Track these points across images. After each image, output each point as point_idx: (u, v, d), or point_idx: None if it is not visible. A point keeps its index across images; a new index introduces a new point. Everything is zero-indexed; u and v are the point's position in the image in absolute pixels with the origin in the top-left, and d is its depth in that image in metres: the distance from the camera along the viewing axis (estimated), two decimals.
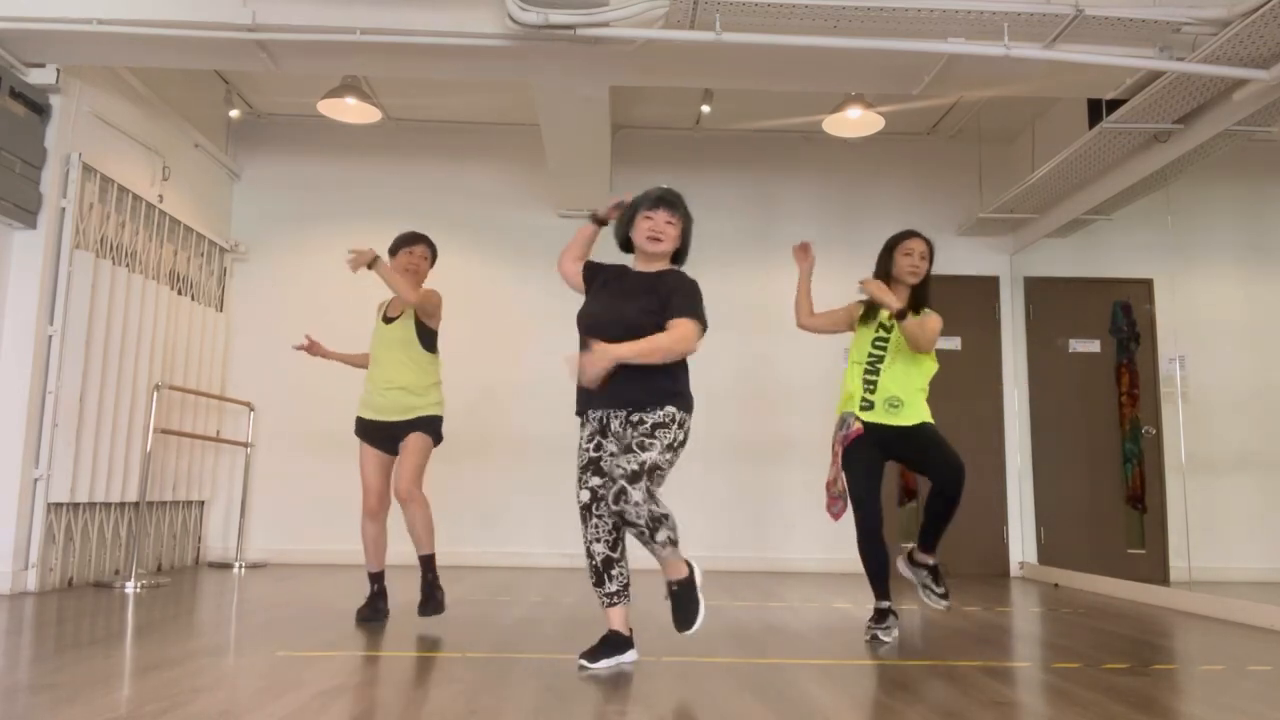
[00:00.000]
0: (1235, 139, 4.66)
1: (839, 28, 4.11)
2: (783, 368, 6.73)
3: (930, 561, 3.73)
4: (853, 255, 6.85)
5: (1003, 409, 6.74)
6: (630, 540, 3.04)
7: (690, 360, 3.08)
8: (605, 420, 2.99)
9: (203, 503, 6.35)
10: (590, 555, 3.00)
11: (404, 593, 4.33)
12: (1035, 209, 6.32)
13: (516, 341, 6.69)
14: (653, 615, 4.04)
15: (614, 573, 3.00)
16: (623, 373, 2.91)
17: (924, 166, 7.01)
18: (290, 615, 3.91)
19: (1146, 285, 5.81)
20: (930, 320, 3.57)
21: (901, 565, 3.84)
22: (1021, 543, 6.60)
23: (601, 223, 3.24)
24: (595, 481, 2.97)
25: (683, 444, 2.97)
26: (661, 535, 2.86)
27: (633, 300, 3.00)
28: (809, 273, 3.86)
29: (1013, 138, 6.93)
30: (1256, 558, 5.16)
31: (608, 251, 3.20)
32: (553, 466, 6.53)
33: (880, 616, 3.63)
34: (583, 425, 3.06)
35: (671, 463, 2.90)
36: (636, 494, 2.81)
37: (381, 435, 3.90)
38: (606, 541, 2.98)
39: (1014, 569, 6.59)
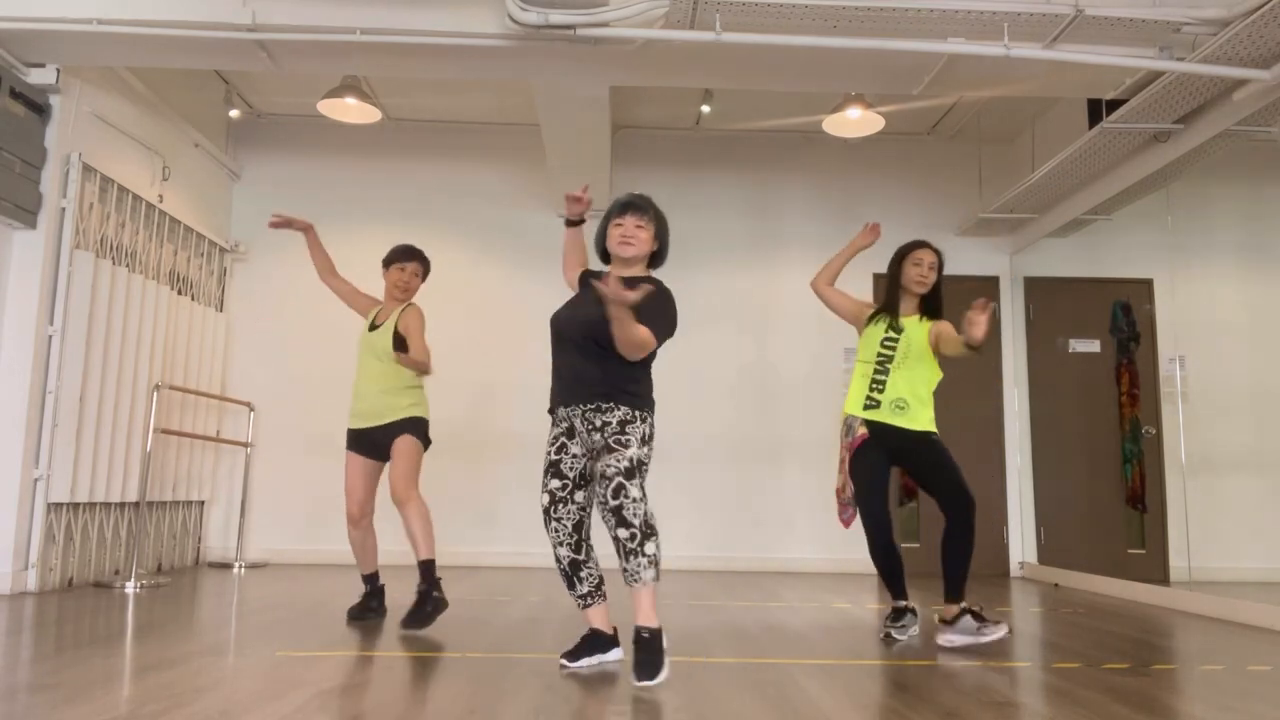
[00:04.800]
0: (1235, 139, 4.66)
1: (839, 28, 4.10)
2: (782, 367, 6.73)
3: (964, 606, 3.52)
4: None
5: (1003, 409, 6.75)
6: (598, 541, 3.03)
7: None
8: (570, 420, 2.98)
9: (203, 503, 6.35)
10: (557, 560, 3.00)
11: (403, 594, 4.33)
12: (1035, 209, 6.32)
13: (516, 341, 6.69)
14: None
15: (583, 574, 3.00)
16: (587, 370, 2.92)
17: (924, 166, 7.00)
18: (290, 615, 3.91)
19: (1146, 285, 5.81)
20: (947, 326, 3.64)
21: (943, 638, 3.53)
22: (1021, 543, 6.60)
23: (573, 222, 3.20)
24: (555, 484, 2.96)
25: (652, 438, 2.96)
26: (650, 548, 2.76)
27: (599, 305, 2.89)
28: (856, 251, 3.89)
29: (1013, 138, 6.93)
30: (1256, 558, 5.15)
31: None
32: None
33: (897, 615, 3.65)
34: (553, 425, 3.06)
35: (649, 457, 2.90)
36: (634, 489, 2.77)
37: (366, 442, 3.91)
38: (569, 544, 2.97)
39: (1014, 569, 6.59)
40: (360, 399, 3.93)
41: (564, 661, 2.95)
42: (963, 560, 3.54)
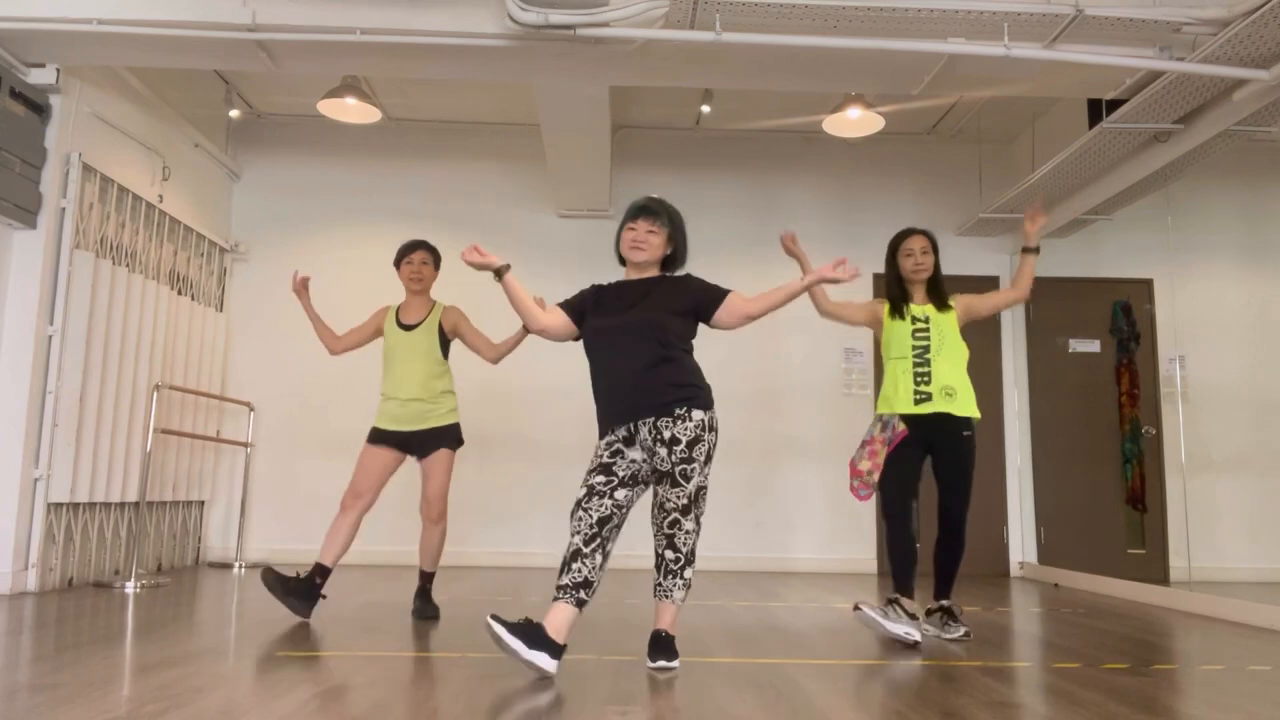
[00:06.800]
0: (1235, 139, 4.66)
1: (839, 28, 4.10)
2: (783, 368, 6.73)
3: (945, 604, 3.73)
4: (853, 255, 6.86)
5: (1003, 409, 6.75)
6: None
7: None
8: (633, 430, 2.97)
9: (203, 503, 6.35)
10: (566, 548, 2.93)
11: (402, 595, 4.33)
12: None
13: None
14: (650, 618, 4.03)
15: (575, 566, 2.82)
16: (654, 374, 2.94)
17: (924, 166, 7.01)
18: (290, 615, 3.91)
19: (1146, 285, 5.82)
20: (970, 298, 3.77)
21: (923, 626, 3.80)
22: (1021, 543, 6.60)
23: (501, 273, 2.97)
24: (599, 479, 2.93)
25: (715, 447, 3.02)
26: (688, 573, 2.94)
27: (645, 305, 3.03)
28: (807, 261, 3.72)
29: (1013, 138, 6.93)
30: (1257, 558, 5.16)
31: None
32: (554, 466, 6.53)
33: (911, 615, 3.64)
34: (603, 434, 3.02)
35: (709, 475, 2.97)
36: (689, 523, 2.92)
37: (396, 441, 3.93)
38: (584, 535, 2.85)
39: (1014, 569, 6.59)
40: (397, 402, 3.92)
41: (489, 620, 2.69)
42: (952, 568, 3.74)
